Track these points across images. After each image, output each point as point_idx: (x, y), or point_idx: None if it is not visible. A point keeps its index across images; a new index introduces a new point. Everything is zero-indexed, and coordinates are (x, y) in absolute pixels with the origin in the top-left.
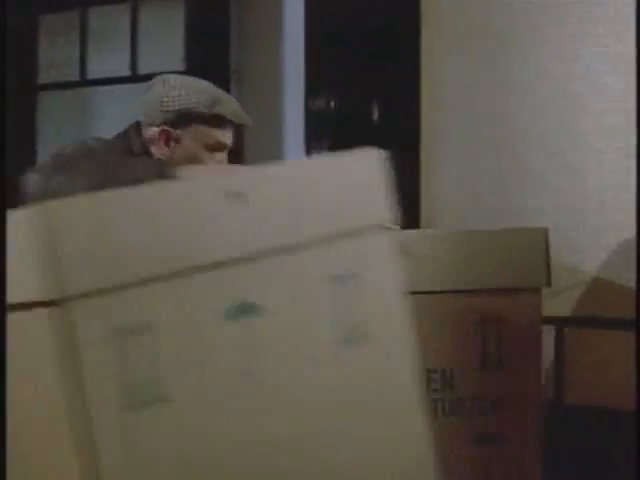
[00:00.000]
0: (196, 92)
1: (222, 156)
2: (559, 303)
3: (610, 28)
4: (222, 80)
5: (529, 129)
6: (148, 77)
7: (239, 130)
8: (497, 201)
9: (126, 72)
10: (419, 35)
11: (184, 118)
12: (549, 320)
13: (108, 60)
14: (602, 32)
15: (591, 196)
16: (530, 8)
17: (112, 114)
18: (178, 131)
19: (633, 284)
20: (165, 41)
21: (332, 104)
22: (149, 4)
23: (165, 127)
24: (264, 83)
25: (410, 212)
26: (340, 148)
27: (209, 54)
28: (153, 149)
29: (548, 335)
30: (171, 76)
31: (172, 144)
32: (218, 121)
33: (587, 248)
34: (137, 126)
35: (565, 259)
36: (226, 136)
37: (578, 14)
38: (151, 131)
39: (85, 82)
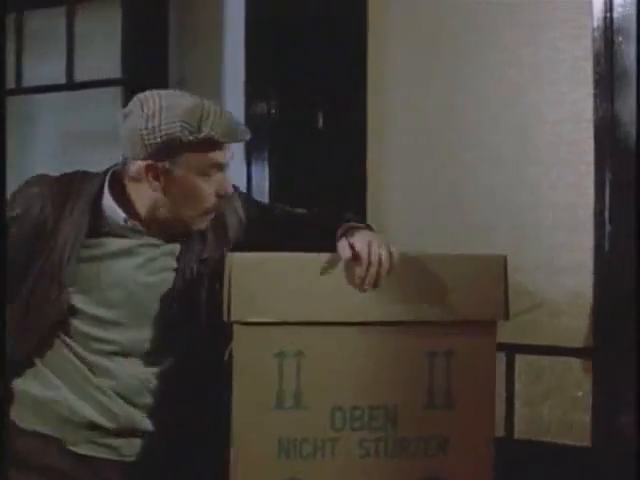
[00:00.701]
0: (178, 116)
1: (220, 176)
2: (510, 328)
3: (566, 32)
4: (161, 87)
5: (482, 140)
6: (85, 85)
7: None
8: (448, 216)
9: (63, 79)
10: (366, 39)
11: (170, 149)
12: (499, 347)
13: (44, 66)
14: (558, 36)
15: (546, 213)
16: (483, 10)
17: (48, 122)
18: (166, 163)
19: (589, 309)
20: (102, 47)
21: (273, 110)
22: (85, 8)
23: (151, 162)
24: (204, 88)
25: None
26: (280, 155)
27: (147, 60)
28: (137, 188)
29: (498, 363)
30: (149, 97)
31: (162, 178)
32: (209, 144)
33: (541, 268)
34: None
35: (517, 280)
36: (221, 155)
37: (534, 17)
38: (136, 166)
39: (20, 90)
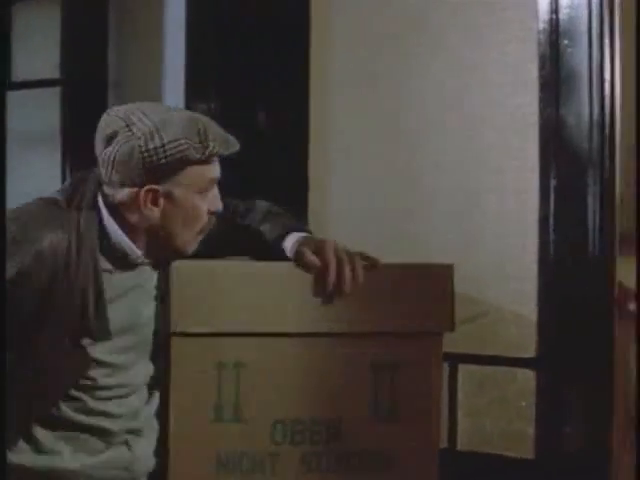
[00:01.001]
0: (180, 133)
1: (214, 191)
2: (454, 338)
3: (512, 35)
4: (100, 85)
5: (426, 144)
6: (24, 85)
7: None
8: (391, 221)
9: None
10: (309, 40)
11: (173, 169)
12: (442, 357)
13: None
14: (504, 39)
15: (490, 219)
16: (428, 12)
17: None
18: (167, 185)
19: (533, 318)
20: (41, 46)
21: (213, 111)
22: (25, 7)
23: (152, 186)
24: (144, 87)
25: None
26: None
27: (86, 60)
28: (130, 214)
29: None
30: (131, 115)
31: (161, 201)
32: (209, 159)
33: (486, 276)
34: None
35: (461, 289)
36: (216, 169)
37: (479, 19)
38: (127, 193)
39: None
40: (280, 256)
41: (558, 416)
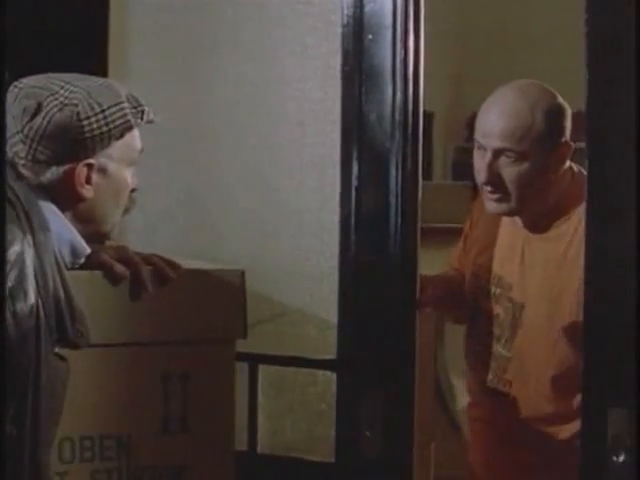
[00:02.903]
0: (115, 96)
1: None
2: (253, 338)
3: (314, 27)
4: None
5: (222, 140)
6: None
7: None
8: (183, 220)
9: None
10: (107, 38)
11: (109, 140)
12: (242, 357)
13: None
14: (305, 31)
15: (289, 217)
16: (225, 3)
17: None
18: (100, 159)
19: (334, 318)
20: None
21: None
22: None
23: (87, 161)
24: None
25: None
26: None
27: None
28: (58, 196)
29: (241, 374)
30: (54, 85)
31: (94, 178)
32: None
33: (284, 276)
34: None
35: (259, 288)
36: (139, 140)
37: (279, 11)
38: (55, 173)
39: None
40: None
41: (358, 419)
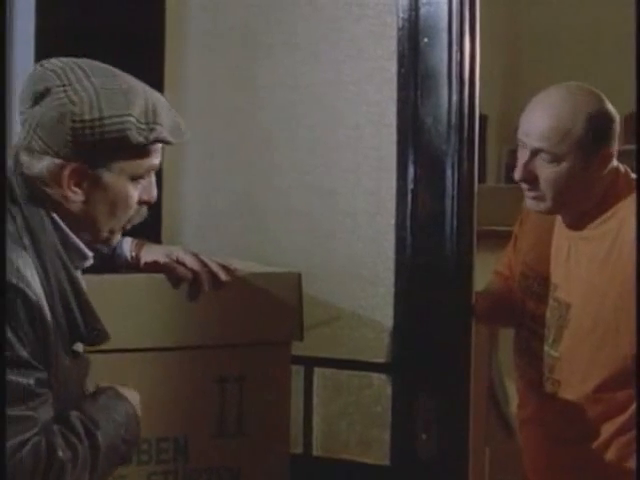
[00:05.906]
0: (125, 107)
1: (150, 178)
2: (309, 341)
3: (370, 30)
4: None
5: (278, 143)
6: None
7: None
8: (240, 222)
9: None
10: (164, 43)
11: (106, 149)
12: (297, 360)
13: None
14: (361, 34)
15: (343, 221)
16: (281, 6)
17: None
18: (95, 166)
19: (389, 322)
20: None
21: None
22: None
23: (78, 164)
24: None
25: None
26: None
27: None
28: (50, 189)
29: (296, 377)
30: (73, 75)
31: (85, 184)
32: (154, 145)
33: (339, 279)
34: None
35: (315, 291)
36: (157, 156)
37: (335, 13)
38: (52, 165)
39: None
40: (116, 262)
41: (413, 422)
